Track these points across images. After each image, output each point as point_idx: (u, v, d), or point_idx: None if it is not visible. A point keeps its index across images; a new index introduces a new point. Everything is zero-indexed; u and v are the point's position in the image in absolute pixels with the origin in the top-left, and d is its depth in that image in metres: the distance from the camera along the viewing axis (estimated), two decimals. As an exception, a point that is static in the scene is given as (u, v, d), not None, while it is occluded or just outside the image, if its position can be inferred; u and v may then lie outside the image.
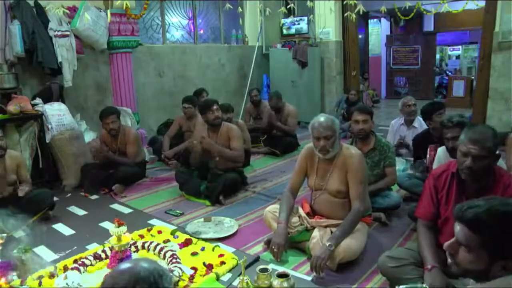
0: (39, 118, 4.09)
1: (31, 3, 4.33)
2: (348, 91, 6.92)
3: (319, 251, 2.27)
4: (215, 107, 3.73)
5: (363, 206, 2.49)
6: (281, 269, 2.28)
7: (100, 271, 2.43)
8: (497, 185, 1.88)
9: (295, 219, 2.65)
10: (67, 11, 4.39)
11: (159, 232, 2.97)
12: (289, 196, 2.70)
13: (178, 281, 2.21)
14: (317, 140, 2.52)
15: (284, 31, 7.56)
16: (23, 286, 2.30)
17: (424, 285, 1.60)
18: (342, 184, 2.55)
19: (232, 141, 3.76)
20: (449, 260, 1.24)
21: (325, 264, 2.24)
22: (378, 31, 11.68)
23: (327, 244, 2.28)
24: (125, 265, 1.01)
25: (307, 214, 2.70)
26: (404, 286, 1.51)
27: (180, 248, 2.70)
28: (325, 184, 2.61)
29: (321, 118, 2.56)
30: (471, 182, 1.90)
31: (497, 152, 1.89)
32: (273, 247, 2.47)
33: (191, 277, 2.30)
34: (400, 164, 4.01)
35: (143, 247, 2.70)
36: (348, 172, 2.52)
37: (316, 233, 2.52)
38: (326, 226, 2.56)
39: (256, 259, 2.57)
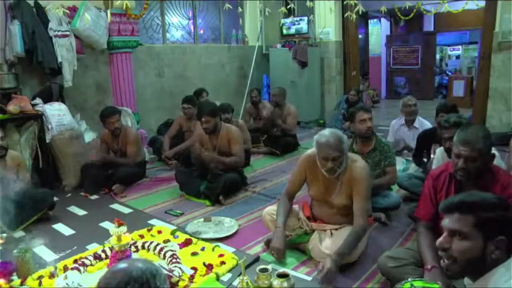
0: (39, 118, 4.08)
1: (31, 3, 4.32)
2: (348, 91, 6.92)
3: (329, 263, 2.14)
4: (204, 119, 3.66)
5: (366, 222, 2.40)
6: (281, 269, 2.28)
7: (100, 271, 2.43)
8: (495, 185, 1.88)
9: (294, 221, 2.64)
10: (67, 11, 4.38)
11: (159, 232, 2.97)
12: (285, 201, 2.65)
13: (178, 281, 2.21)
14: (324, 160, 2.35)
15: (284, 31, 7.56)
16: (23, 286, 2.31)
17: (424, 279, 1.62)
18: (349, 199, 2.44)
19: (232, 145, 3.76)
20: (442, 262, 1.27)
21: (335, 277, 2.15)
22: (378, 31, 11.68)
23: (335, 258, 2.17)
24: (119, 265, 1.03)
25: (307, 217, 2.67)
26: (403, 281, 1.53)
27: (180, 248, 2.70)
28: (332, 199, 2.50)
29: (328, 135, 2.34)
30: (467, 183, 1.90)
31: (492, 152, 1.89)
32: (272, 252, 2.46)
33: (191, 277, 2.29)
34: (400, 164, 4.02)
35: (143, 247, 2.70)
36: (353, 185, 2.41)
37: (315, 234, 2.52)
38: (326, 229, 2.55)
39: (256, 259, 2.57)
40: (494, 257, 1.17)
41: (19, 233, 3.06)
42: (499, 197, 1.25)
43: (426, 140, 3.56)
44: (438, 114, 3.39)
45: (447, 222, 1.25)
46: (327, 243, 2.40)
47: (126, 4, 4.28)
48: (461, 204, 1.23)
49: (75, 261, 2.49)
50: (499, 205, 1.21)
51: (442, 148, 2.84)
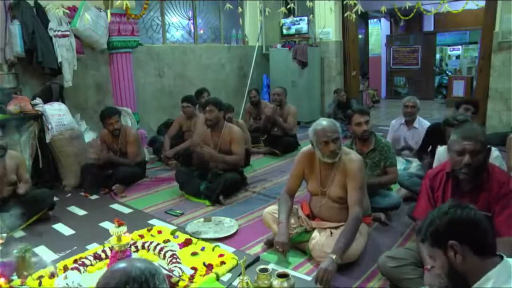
0: (39, 118, 4.08)
1: (31, 3, 4.32)
2: (347, 92, 6.86)
3: (325, 263, 2.15)
4: (208, 108, 3.73)
5: (361, 212, 2.45)
6: (281, 269, 2.28)
7: (100, 271, 2.43)
8: (492, 183, 1.88)
9: (294, 220, 2.64)
10: (67, 11, 4.38)
11: (159, 232, 2.97)
12: (287, 198, 2.68)
13: (178, 281, 2.21)
14: (325, 144, 2.44)
15: (284, 31, 7.56)
16: (23, 286, 2.31)
17: None
18: (343, 190, 2.50)
19: (233, 144, 3.76)
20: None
21: (332, 277, 2.13)
22: (378, 31, 11.69)
23: (333, 257, 2.17)
24: (118, 265, 1.03)
25: (307, 216, 2.69)
26: None
27: (180, 248, 2.70)
28: (327, 190, 2.57)
29: (324, 122, 2.50)
30: (469, 181, 1.90)
31: (488, 147, 1.90)
32: (277, 247, 2.46)
33: (191, 277, 2.30)
34: (401, 164, 4.01)
35: (143, 247, 2.70)
36: (347, 177, 2.47)
37: (315, 233, 2.52)
38: (325, 228, 2.55)
39: (256, 259, 2.57)
40: (459, 261, 1.20)
41: (19, 233, 3.06)
42: (441, 208, 1.29)
43: (435, 134, 3.50)
44: (459, 107, 3.35)
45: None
46: (327, 242, 2.40)
47: (126, 4, 4.27)
48: (419, 231, 1.33)
49: (75, 261, 2.49)
50: (437, 216, 1.26)
51: (445, 147, 2.83)
